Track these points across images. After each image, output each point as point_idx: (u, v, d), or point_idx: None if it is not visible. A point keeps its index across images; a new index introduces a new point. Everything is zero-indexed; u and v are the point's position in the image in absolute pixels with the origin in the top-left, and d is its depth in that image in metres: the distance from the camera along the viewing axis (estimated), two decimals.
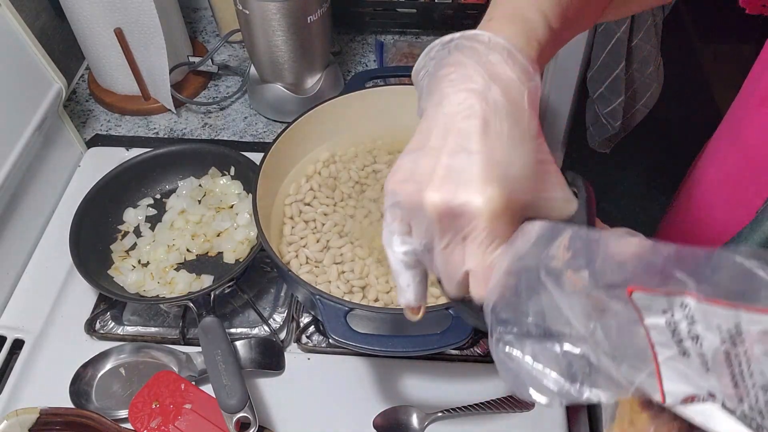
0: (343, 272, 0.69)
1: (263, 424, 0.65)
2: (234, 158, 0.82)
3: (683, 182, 0.71)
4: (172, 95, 0.93)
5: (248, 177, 0.80)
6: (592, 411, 1.29)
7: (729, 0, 0.54)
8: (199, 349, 0.70)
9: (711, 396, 0.27)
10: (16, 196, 0.78)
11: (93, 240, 0.77)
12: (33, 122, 0.78)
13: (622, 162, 1.96)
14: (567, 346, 0.31)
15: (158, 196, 0.84)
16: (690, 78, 2.30)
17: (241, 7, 0.83)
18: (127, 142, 0.94)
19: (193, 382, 0.66)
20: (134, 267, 0.76)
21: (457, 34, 0.39)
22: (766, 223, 0.49)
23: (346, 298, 0.67)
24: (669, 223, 0.75)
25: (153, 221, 0.81)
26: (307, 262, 0.71)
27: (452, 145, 0.35)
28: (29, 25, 0.78)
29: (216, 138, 0.95)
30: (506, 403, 0.66)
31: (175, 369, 0.69)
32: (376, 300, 0.68)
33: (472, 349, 0.71)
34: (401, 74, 0.86)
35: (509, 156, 0.35)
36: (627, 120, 1.31)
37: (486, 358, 0.71)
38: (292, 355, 0.72)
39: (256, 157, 0.77)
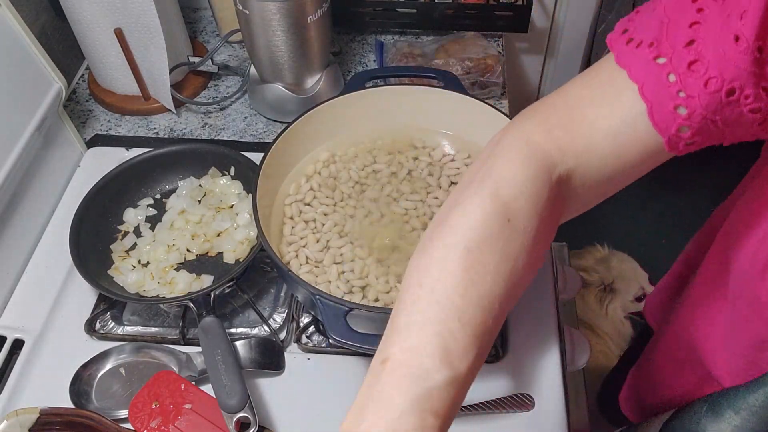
0: (343, 272, 0.69)
1: (263, 424, 0.65)
2: (234, 158, 0.82)
3: (683, 306, 0.68)
4: (172, 95, 0.93)
5: (248, 177, 0.80)
6: (593, 411, 1.29)
7: None
8: (199, 349, 0.70)
9: None
10: (16, 196, 0.78)
11: (93, 240, 0.77)
12: (33, 122, 0.78)
13: None
14: None
15: (158, 196, 0.84)
16: None
17: (241, 7, 0.83)
18: (127, 142, 0.94)
19: (193, 382, 0.66)
20: (134, 267, 0.76)
21: None
22: None
23: (346, 298, 0.67)
24: (665, 349, 0.73)
25: (153, 221, 0.81)
26: (307, 262, 0.71)
27: None
28: (29, 25, 0.78)
29: (216, 138, 0.95)
30: (506, 403, 0.66)
31: (175, 369, 0.69)
32: (376, 300, 0.68)
33: None
34: (401, 74, 0.86)
35: None
36: None
37: (486, 359, 0.70)
38: (292, 355, 0.72)
39: (256, 157, 0.77)
